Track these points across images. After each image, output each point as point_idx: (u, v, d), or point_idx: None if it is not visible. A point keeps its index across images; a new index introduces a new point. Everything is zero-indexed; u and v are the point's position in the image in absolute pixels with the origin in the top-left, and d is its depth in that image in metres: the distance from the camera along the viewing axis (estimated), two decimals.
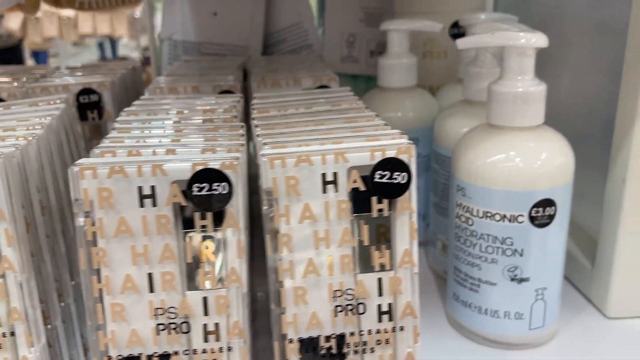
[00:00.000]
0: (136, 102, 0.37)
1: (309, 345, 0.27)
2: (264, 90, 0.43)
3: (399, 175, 0.25)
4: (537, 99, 0.33)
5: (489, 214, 0.34)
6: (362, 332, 0.27)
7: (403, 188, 0.25)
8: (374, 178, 0.25)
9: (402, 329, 0.27)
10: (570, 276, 0.46)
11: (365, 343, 0.27)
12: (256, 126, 0.30)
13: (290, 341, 0.26)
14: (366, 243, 0.26)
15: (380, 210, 0.26)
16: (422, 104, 0.49)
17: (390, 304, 0.27)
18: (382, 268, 0.26)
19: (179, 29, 0.62)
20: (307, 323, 0.26)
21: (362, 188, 0.25)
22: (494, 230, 0.34)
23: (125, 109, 0.35)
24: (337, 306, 0.26)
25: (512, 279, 0.35)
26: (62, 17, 2.28)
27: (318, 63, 0.51)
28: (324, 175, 0.25)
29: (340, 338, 0.27)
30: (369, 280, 0.26)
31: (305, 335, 0.26)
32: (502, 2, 0.61)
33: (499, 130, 0.34)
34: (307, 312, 0.26)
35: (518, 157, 0.33)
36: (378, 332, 0.27)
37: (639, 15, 0.35)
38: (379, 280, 0.26)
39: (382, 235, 0.26)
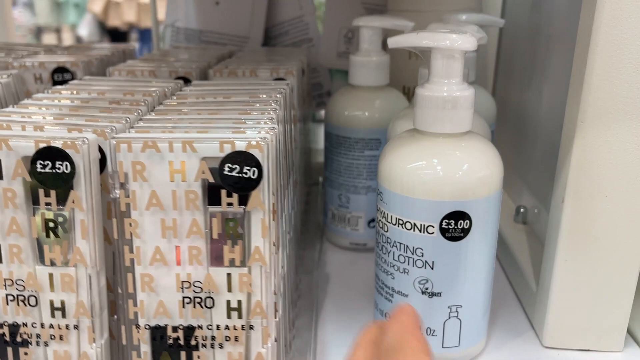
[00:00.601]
0: (72, 82, 0.38)
1: (156, 333, 0.26)
2: (218, 79, 0.43)
3: (249, 170, 0.25)
4: (462, 104, 0.31)
5: (401, 222, 0.32)
6: (211, 327, 0.26)
7: (253, 183, 0.25)
8: (223, 171, 0.25)
9: (251, 327, 0.26)
10: (520, 297, 0.43)
11: (214, 338, 0.27)
12: (152, 111, 0.30)
13: (137, 327, 0.26)
14: (215, 237, 0.25)
15: (230, 204, 0.25)
16: (391, 104, 0.47)
17: (239, 301, 0.26)
18: (232, 264, 0.26)
19: (181, 16, 0.63)
20: (155, 311, 0.26)
21: (211, 180, 0.25)
22: (405, 239, 0.32)
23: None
24: (185, 297, 0.26)
25: (423, 292, 0.33)
26: (141, 2, 2.37)
27: (300, 57, 0.51)
28: (171, 163, 0.25)
29: (189, 330, 0.26)
30: (218, 274, 0.26)
31: (153, 324, 0.26)
32: (510, 5, 0.58)
33: (421, 135, 0.33)
34: (154, 300, 0.26)
35: (433, 166, 0.31)
36: (227, 328, 0.26)
37: (584, 38, 0.32)
38: (229, 275, 0.26)
39: (233, 230, 0.25)
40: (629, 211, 0.33)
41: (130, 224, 0.25)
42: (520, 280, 0.43)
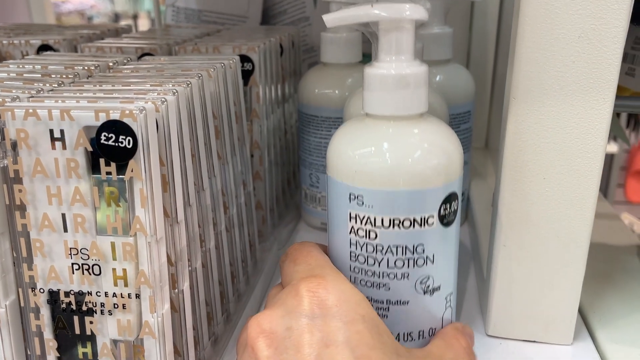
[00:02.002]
0: (29, 57, 0.39)
1: (51, 297, 0.27)
2: (182, 55, 0.43)
3: (124, 139, 0.25)
4: (415, 82, 0.27)
5: (397, 221, 0.28)
6: (99, 293, 0.27)
7: (129, 153, 0.25)
8: (100, 140, 0.25)
9: (137, 296, 0.27)
10: (478, 284, 0.41)
11: (103, 305, 0.27)
12: (61, 83, 0.31)
13: (33, 290, 0.27)
14: (97, 205, 0.26)
15: (108, 173, 0.25)
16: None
17: (124, 270, 0.26)
18: (115, 232, 0.26)
19: None
20: (47, 276, 0.27)
21: (89, 149, 0.25)
22: (404, 240, 0.29)
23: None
24: (73, 264, 0.27)
25: (425, 292, 0.30)
26: None
27: (283, 35, 0.50)
28: (51, 131, 0.25)
29: (79, 295, 0.27)
30: (103, 242, 0.26)
31: (46, 288, 0.27)
32: None
33: (373, 120, 0.29)
34: (46, 265, 0.27)
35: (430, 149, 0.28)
36: (115, 295, 0.27)
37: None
38: (112, 244, 0.26)
39: (113, 199, 0.26)
40: (569, 195, 0.31)
41: (20, 190, 0.26)
42: (478, 267, 0.41)
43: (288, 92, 0.53)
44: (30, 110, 0.25)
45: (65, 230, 0.26)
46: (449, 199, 0.29)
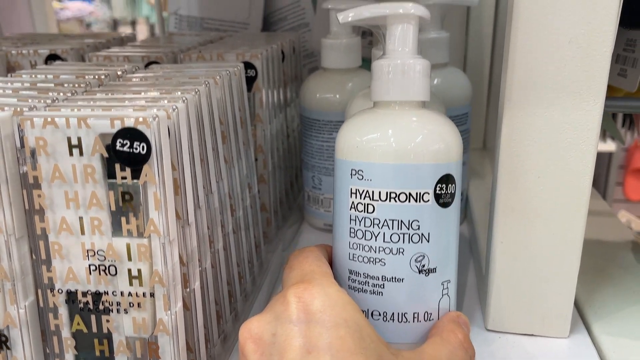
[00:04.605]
0: (40, 67, 0.40)
1: (69, 297, 0.29)
2: (187, 62, 0.45)
3: (139, 145, 0.26)
4: (418, 70, 0.30)
5: (393, 195, 0.30)
6: (115, 293, 0.28)
7: (143, 158, 0.26)
8: (116, 146, 0.26)
9: (152, 295, 0.28)
10: (477, 278, 0.42)
11: (119, 304, 0.28)
12: (74, 92, 0.32)
13: (52, 291, 0.29)
14: (113, 209, 0.27)
15: (124, 178, 0.27)
16: (362, 87, 0.47)
17: (139, 270, 0.28)
18: (130, 234, 0.27)
19: (184, 4, 0.65)
20: (65, 277, 0.28)
21: (106, 155, 0.26)
22: (399, 214, 0.30)
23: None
24: (90, 265, 0.28)
25: (420, 271, 0.31)
26: None
27: (284, 42, 0.52)
28: (69, 138, 0.26)
29: (96, 295, 0.28)
30: (119, 244, 0.28)
31: (64, 288, 0.28)
32: None
33: (378, 106, 0.31)
34: (64, 266, 0.28)
35: (427, 127, 0.30)
36: (130, 295, 0.28)
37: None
38: (128, 245, 0.27)
39: (129, 203, 0.27)
40: (563, 192, 0.32)
41: (39, 195, 0.27)
42: (477, 261, 0.42)
43: (290, 97, 0.54)
44: (49, 119, 0.26)
45: (83, 233, 0.28)
46: (446, 179, 0.30)
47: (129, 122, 0.26)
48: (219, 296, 0.36)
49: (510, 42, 0.31)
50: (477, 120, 0.64)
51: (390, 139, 0.30)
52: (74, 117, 0.26)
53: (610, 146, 2.00)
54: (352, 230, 0.31)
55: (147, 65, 0.44)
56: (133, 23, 3.11)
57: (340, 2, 0.46)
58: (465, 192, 0.52)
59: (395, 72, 0.30)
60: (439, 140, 0.30)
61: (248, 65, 0.44)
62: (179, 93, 0.31)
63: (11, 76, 0.37)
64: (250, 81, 0.45)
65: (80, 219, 0.27)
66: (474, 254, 0.46)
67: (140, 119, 0.26)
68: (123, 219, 0.27)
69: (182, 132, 0.28)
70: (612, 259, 0.45)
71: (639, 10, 0.34)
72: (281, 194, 0.52)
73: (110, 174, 0.27)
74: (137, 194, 0.27)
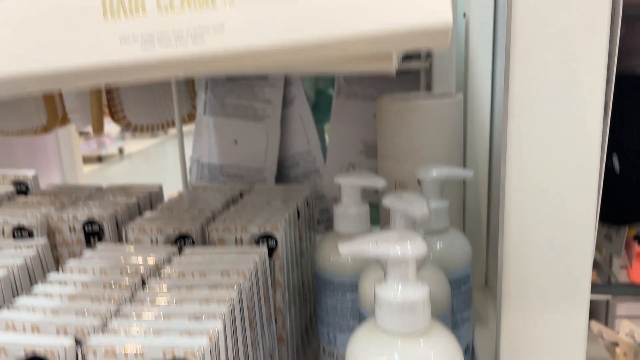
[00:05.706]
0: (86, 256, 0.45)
1: None
2: (215, 234, 0.50)
3: None
4: (417, 305, 0.33)
5: None
6: None
7: None
8: None
9: None
10: None
11: None
12: (130, 302, 0.37)
13: None
14: None
15: None
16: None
17: None
18: None
19: (205, 153, 0.72)
20: None
21: None
22: None
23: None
24: None
25: None
26: None
27: (298, 198, 0.57)
28: None
29: None
30: None
31: None
32: None
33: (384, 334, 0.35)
34: None
35: None
36: None
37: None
38: None
39: None
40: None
41: None
42: None
43: (305, 247, 0.59)
44: (110, 350, 0.31)
45: None
46: None
47: (179, 353, 0.30)
48: None
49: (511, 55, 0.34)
50: (479, 260, 0.68)
51: None
52: (132, 348, 0.31)
53: None
54: None
55: (176, 240, 0.49)
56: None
57: (349, 179, 0.51)
58: (471, 345, 0.56)
59: (399, 310, 0.33)
60: None
61: (268, 236, 0.49)
62: (216, 305, 0.35)
63: (61, 270, 0.42)
64: (271, 251, 0.49)
65: None
66: None
67: (189, 351, 0.30)
68: None
69: (220, 348, 0.33)
70: None
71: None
72: (299, 350, 0.56)
73: None
74: None
